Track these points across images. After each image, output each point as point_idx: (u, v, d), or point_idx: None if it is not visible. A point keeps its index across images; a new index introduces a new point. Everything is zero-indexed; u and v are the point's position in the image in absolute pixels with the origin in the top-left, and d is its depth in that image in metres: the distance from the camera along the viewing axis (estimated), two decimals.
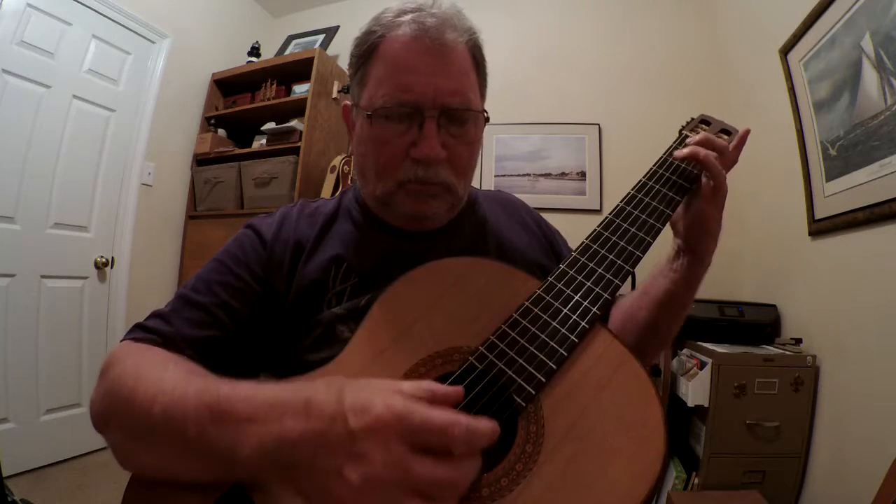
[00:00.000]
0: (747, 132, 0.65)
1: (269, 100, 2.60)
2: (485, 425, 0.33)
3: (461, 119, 0.58)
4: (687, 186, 0.59)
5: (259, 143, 2.62)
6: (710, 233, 0.59)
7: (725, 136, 0.66)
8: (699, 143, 0.60)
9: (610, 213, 0.58)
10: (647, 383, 0.43)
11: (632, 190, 0.60)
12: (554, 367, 0.44)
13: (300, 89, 2.52)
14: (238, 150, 2.62)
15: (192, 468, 0.39)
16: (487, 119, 0.62)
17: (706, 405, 1.47)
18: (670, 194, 0.58)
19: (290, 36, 2.92)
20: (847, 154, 1.36)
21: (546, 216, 0.79)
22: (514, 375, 0.44)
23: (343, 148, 2.59)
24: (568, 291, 0.50)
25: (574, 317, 0.48)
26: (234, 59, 2.79)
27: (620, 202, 0.59)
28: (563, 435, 0.41)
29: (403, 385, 0.36)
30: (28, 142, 1.89)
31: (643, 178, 0.61)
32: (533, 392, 0.43)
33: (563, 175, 2.43)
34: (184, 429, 0.37)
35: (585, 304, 0.49)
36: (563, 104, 2.48)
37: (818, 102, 1.51)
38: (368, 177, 0.61)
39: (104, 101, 2.18)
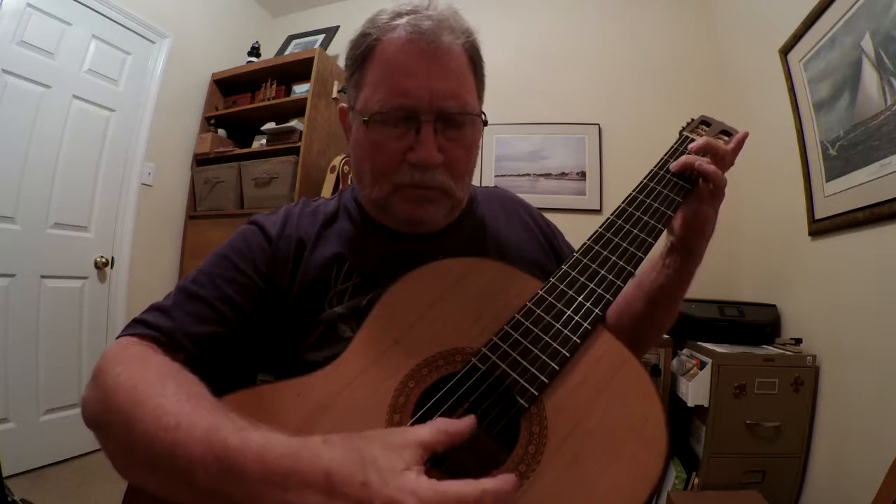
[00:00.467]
0: (745, 135, 0.65)
1: (269, 100, 2.60)
2: (509, 486, 0.33)
3: (458, 122, 0.57)
4: (687, 188, 0.60)
5: (259, 143, 2.62)
6: (705, 233, 0.60)
7: (725, 138, 0.66)
8: (698, 150, 0.61)
9: (611, 215, 0.58)
10: (648, 384, 0.43)
11: (633, 191, 0.60)
12: (556, 368, 0.44)
13: (300, 89, 2.52)
14: (238, 150, 2.62)
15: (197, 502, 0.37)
16: (486, 122, 0.61)
17: (706, 405, 1.47)
18: (671, 195, 0.59)
19: (290, 36, 2.92)
20: (847, 154, 1.36)
21: (546, 216, 0.79)
22: (516, 377, 0.44)
23: (343, 148, 2.59)
24: (570, 292, 0.50)
25: (576, 318, 0.48)
26: (234, 59, 2.79)
27: (622, 203, 0.59)
28: (566, 436, 0.41)
29: (423, 435, 0.35)
30: (28, 142, 1.89)
31: (644, 179, 0.62)
32: (536, 393, 0.43)
33: (563, 175, 2.43)
34: (190, 474, 0.35)
35: (588, 305, 0.49)
36: (563, 104, 2.48)
37: (818, 102, 1.51)
38: (365, 180, 0.61)
39: (104, 101, 2.18)
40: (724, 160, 0.60)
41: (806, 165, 1.57)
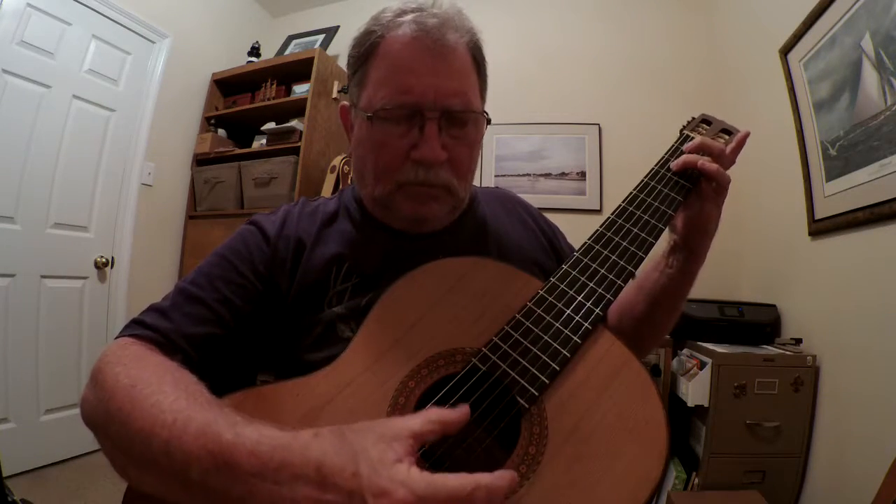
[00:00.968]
0: (746, 135, 0.65)
1: (269, 100, 2.60)
2: (504, 482, 0.32)
3: (462, 121, 0.57)
4: (688, 186, 0.59)
5: (259, 143, 2.62)
6: (708, 232, 0.60)
7: (726, 136, 0.66)
8: (693, 149, 0.60)
9: (612, 214, 0.58)
10: (649, 384, 0.43)
11: (634, 190, 0.60)
12: (557, 368, 0.44)
13: (300, 89, 2.52)
14: (238, 150, 2.62)
15: (195, 501, 0.37)
16: (489, 120, 0.61)
17: (706, 405, 1.47)
18: (672, 194, 0.58)
19: (290, 36, 2.92)
20: (847, 154, 1.36)
21: (546, 216, 0.79)
22: (517, 377, 0.44)
23: (343, 148, 2.59)
24: (571, 292, 0.50)
25: (577, 318, 0.48)
26: (234, 59, 2.79)
27: (622, 202, 0.59)
28: (566, 436, 0.41)
29: (413, 425, 0.35)
30: (28, 142, 1.89)
31: (645, 178, 0.61)
32: (536, 394, 0.43)
33: (563, 175, 2.43)
34: (185, 470, 0.35)
35: (588, 304, 0.49)
36: (563, 104, 2.48)
37: (818, 102, 1.51)
38: (367, 179, 0.61)
39: (104, 101, 2.18)
40: (722, 159, 0.60)
41: (806, 165, 1.56)
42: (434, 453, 0.41)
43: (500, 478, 0.32)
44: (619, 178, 2.33)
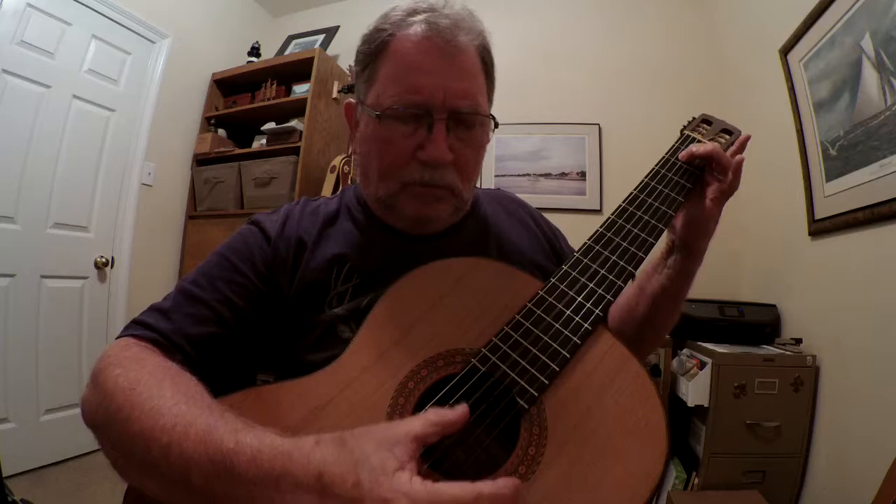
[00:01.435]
0: (747, 138, 0.65)
1: (269, 100, 2.59)
2: (508, 490, 0.32)
3: (469, 123, 0.57)
4: (689, 186, 0.59)
5: (259, 143, 2.62)
6: (708, 232, 0.59)
7: (727, 136, 0.66)
8: (703, 156, 0.60)
9: (612, 214, 0.58)
10: (648, 385, 0.43)
11: (634, 190, 0.60)
12: (557, 369, 0.44)
13: (300, 89, 2.51)
14: (238, 150, 2.62)
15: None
16: (497, 124, 0.61)
17: (706, 405, 1.47)
18: (672, 194, 0.58)
19: (290, 36, 2.92)
20: (847, 154, 1.36)
21: (546, 216, 0.79)
22: (516, 378, 0.44)
23: (343, 148, 2.59)
24: (570, 293, 0.50)
25: (577, 318, 0.48)
26: (234, 59, 2.79)
27: (623, 202, 0.59)
28: (566, 437, 0.41)
29: (414, 429, 0.35)
30: (28, 142, 1.89)
31: (645, 178, 0.61)
32: (536, 394, 0.43)
33: (563, 175, 2.43)
34: (186, 475, 0.35)
35: (588, 305, 0.49)
36: (563, 104, 2.48)
37: (818, 102, 1.51)
38: (371, 177, 0.60)
39: (104, 101, 2.18)
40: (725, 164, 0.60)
41: (806, 165, 1.57)
42: (433, 454, 0.41)
43: (503, 486, 0.32)
44: (619, 178, 2.33)
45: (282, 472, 0.33)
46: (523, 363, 0.45)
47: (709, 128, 0.69)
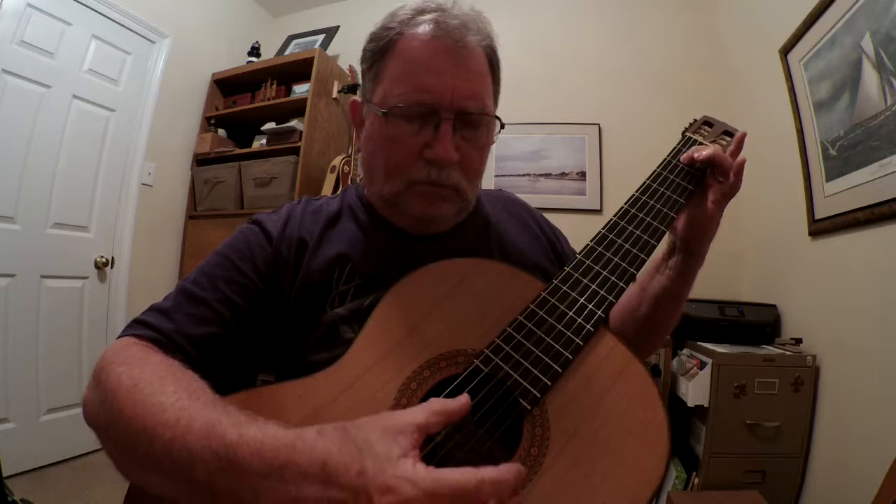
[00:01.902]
0: (743, 135, 0.65)
1: (269, 100, 2.59)
2: (510, 475, 0.32)
3: (476, 123, 0.58)
4: (690, 188, 0.59)
5: (259, 143, 2.62)
6: (709, 234, 0.60)
7: (728, 138, 0.67)
8: (701, 160, 0.60)
9: (614, 216, 0.58)
10: (650, 386, 0.43)
11: (636, 192, 0.60)
12: (559, 370, 0.45)
13: (300, 89, 2.52)
14: (238, 150, 2.62)
15: (200, 501, 0.38)
16: (503, 125, 0.61)
17: (706, 405, 1.47)
18: (674, 196, 0.58)
19: (290, 36, 2.92)
20: (847, 154, 1.36)
21: (546, 216, 0.79)
22: (519, 379, 0.44)
23: (343, 148, 2.59)
24: (573, 294, 0.50)
25: (579, 320, 0.48)
26: (234, 59, 2.79)
27: (625, 204, 0.59)
28: (569, 438, 0.41)
29: (417, 418, 0.35)
30: (28, 142, 1.89)
31: (647, 180, 0.61)
32: (538, 395, 0.43)
33: (563, 175, 2.43)
34: (190, 470, 0.35)
35: (590, 307, 0.49)
36: (563, 104, 2.48)
37: (818, 102, 1.51)
38: (376, 176, 0.60)
39: (104, 101, 2.18)
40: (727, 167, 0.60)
41: (806, 165, 1.57)
42: (436, 455, 0.41)
43: (505, 471, 0.32)
44: (620, 178, 2.33)
45: (286, 463, 0.33)
46: (526, 364, 0.45)
47: (710, 130, 0.69)
